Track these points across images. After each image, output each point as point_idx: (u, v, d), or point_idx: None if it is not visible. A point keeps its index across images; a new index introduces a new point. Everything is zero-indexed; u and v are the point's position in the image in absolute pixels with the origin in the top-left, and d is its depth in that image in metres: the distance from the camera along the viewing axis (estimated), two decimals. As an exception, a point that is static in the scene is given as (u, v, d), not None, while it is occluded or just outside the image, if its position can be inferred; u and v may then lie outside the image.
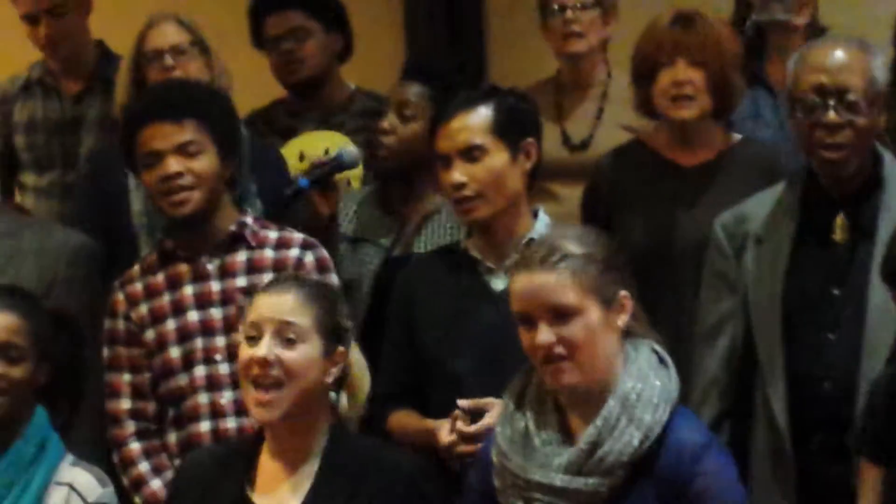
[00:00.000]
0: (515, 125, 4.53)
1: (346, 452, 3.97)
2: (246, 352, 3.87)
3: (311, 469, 3.92)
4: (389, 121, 5.21)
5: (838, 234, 4.42)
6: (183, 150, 4.61)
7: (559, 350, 3.64)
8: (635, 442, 3.63)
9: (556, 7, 5.57)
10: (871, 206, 4.41)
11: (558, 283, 3.67)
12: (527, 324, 3.70)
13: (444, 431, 4.27)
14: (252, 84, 5.92)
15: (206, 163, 4.64)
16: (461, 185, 4.45)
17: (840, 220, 4.41)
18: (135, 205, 5.34)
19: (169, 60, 5.35)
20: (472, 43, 7.53)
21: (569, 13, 5.51)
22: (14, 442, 4.26)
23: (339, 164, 5.30)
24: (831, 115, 4.33)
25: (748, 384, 4.46)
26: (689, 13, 5.11)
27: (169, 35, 5.43)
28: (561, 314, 3.65)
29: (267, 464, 3.97)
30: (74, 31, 6.12)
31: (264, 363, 3.82)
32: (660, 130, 5.11)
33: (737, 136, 5.09)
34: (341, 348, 3.93)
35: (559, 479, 3.65)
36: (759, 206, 4.61)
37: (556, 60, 5.79)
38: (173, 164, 4.60)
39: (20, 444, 4.25)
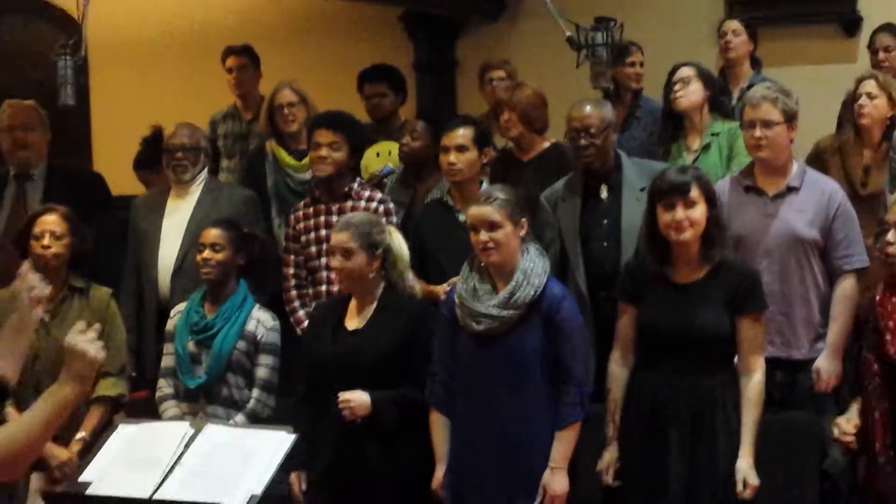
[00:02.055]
0: (485, 140, 4.92)
1: (391, 300, 4.28)
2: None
3: (372, 308, 4.27)
4: (406, 139, 5.56)
5: (603, 194, 4.80)
6: (331, 146, 5.00)
7: (490, 245, 4.01)
8: (531, 292, 4.00)
9: (488, 79, 6.24)
10: (617, 179, 4.79)
11: (492, 211, 4.02)
12: (474, 230, 4.04)
13: (441, 291, 4.57)
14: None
15: (340, 155, 5.01)
16: (454, 164, 4.81)
17: (603, 186, 4.80)
18: (269, 182, 5.69)
19: (286, 110, 5.67)
20: (450, 97, 7.57)
21: (495, 83, 6.17)
22: (229, 297, 4.63)
23: (386, 173, 5.64)
24: (582, 141, 4.75)
25: (565, 277, 4.68)
26: (512, 85, 5.69)
27: (286, 96, 5.70)
28: (492, 226, 4.01)
29: (352, 307, 4.31)
30: (250, 81, 6.59)
31: (336, 270, 4.27)
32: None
33: (550, 142, 5.37)
34: (378, 252, 4.24)
35: (494, 310, 4.00)
36: (560, 184, 4.90)
37: (487, 105, 6.21)
38: (324, 151, 5.00)
39: (233, 297, 4.64)
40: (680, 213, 3.87)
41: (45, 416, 2.69)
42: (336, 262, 4.23)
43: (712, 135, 5.20)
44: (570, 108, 4.88)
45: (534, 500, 3.94)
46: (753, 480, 3.80)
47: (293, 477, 4.25)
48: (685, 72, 5.31)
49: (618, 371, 4.08)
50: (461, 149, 4.83)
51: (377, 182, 5.58)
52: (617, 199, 4.78)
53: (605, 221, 4.79)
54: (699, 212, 3.89)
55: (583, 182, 4.86)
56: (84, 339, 2.75)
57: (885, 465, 3.76)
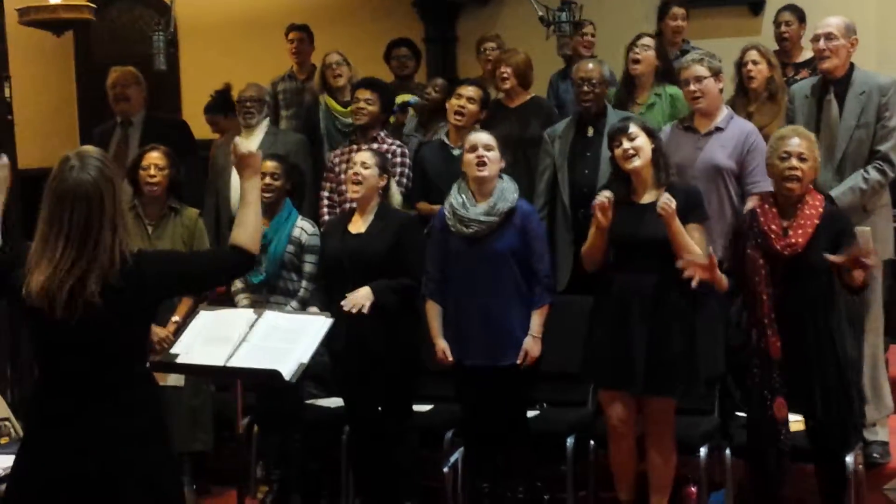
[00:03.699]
0: (487, 103, 4.76)
1: (385, 211, 4.18)
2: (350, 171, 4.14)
3: (370, 218, 4.16)
4: (429, 90, 5.43)
5: (590, 133, 4.64)
6: (367, 101, 4.85)
7: (485, 160, 3.90)
8: (507, 206, 3.90)
9: (482, 49, 5.78)
10: (602, 124, 4.56)
11: (489, 137, 3.95)
12: (473, 149, 3.92)
13: (437, 209, 4.25)
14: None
15: (373, 108, 4.85)
16: (463, 108, 4.65)
17: (590, 127, 4.65)
18: (322, 126, 5.53)
19: (334, 67, 5.47)
20: (452, 63, 7.38)
21: (488, 52, 5.71)
22: (279, 211, 4.37)
23: (412, 103, 5.54)
24: (585, 88, 4.60)
25: (554, 196, 4.64)
26: (508, 49, 5.32)
27: (333, 57, 5.56)
28: (487, 147, 3.91)
29: (355, 218, 4.21)
30: (306, 51, 6.22)
31: (357, 175, 4.13)
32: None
33: (531, 95, 5.06)
34: (385, 175, 4.18)
35: (480, 216, 3.90)
36: (559, 125, 4.74)
37: (481, 70, 5.82)
38: (361, 104, 4.86)
39: (281, 212, 4.37)
40: (626, 143, 3.70)
41: (257, 200, 2.73)
42: (357, 168, 4.10)
43: (656, 95, 4.96)
44: (578, 65, 4.78)
45: (514, 359, 3.85)
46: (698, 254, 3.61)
47: None
48: (646, 40, 5.02)
49: None
50: (471, 100, 4.67)
51: (403, 106, 5.47)
52: (599, 139, 4.54)
53: (588, 154, 4.59)
54: (641, 141, 3.70)
55: (576, 124, 4.68)
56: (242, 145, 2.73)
57: (770, 335, 3.58)
